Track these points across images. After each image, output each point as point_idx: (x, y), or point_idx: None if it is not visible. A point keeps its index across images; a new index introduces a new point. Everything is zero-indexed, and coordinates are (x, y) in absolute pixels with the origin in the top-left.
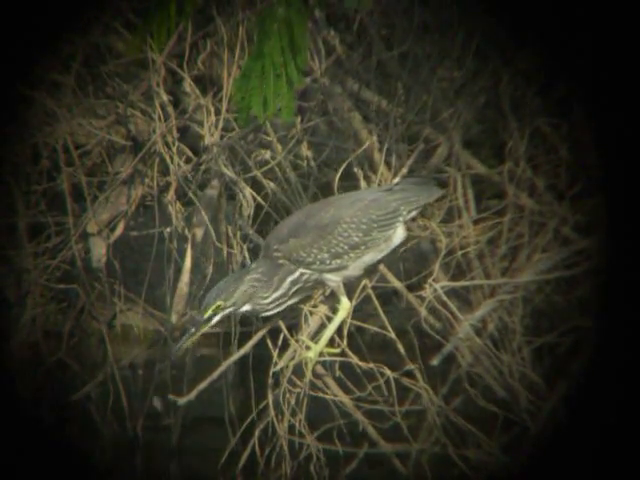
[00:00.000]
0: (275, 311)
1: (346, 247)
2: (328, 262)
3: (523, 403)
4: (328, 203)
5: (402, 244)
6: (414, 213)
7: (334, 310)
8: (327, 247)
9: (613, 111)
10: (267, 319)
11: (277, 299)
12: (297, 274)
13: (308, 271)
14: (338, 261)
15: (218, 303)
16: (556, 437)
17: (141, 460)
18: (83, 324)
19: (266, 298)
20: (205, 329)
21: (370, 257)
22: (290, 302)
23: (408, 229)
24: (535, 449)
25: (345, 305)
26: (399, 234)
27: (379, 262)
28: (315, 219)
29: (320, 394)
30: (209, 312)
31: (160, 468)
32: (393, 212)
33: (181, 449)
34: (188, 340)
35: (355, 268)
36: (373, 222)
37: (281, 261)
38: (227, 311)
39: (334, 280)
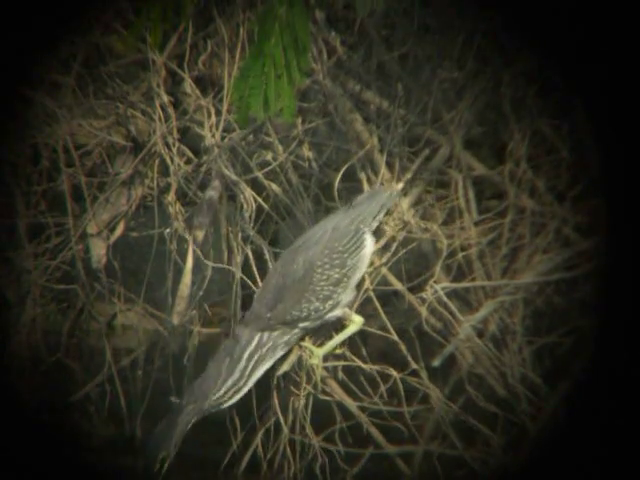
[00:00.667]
0: (236, 397)
1: (331, 287)
2: (322, 308)
3: (524, 404)
4: (296, 252)
5: (402, 246)
6: (375, 223)
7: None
8: (314, 296)
9: (614, 111)
10: None
11: (234, 384)
12: (254, 344)
13: (307, 323)
14: (330, 302)
15: (162, 455)
16: (556, 438)
17: (141, 461)
18: (83, 324)
19: (216, 394)
20: (164, 470)
21: (356, 278)
22: (258, 374)
23: (409, 231)
24: (535, 450)
25: (358, 321)
26: (369, 245)
27: (380, 264)
28: (291, 275)
29: (325, 397)
30: (158, 465)
31: (161, 469)
32: (355, 234)
33: (182, 449)
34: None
35: (348, 295)
36: (343, 253)
37: (278, 326)
38: (173, 452)
39: (337, 315)
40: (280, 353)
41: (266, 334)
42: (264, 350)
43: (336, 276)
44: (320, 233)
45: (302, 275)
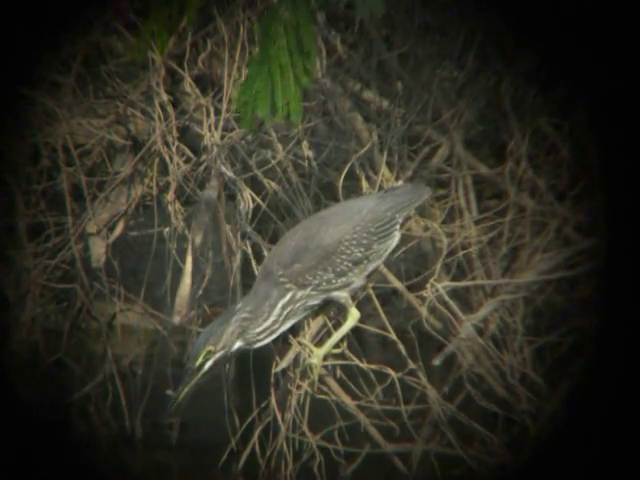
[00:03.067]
0: (268, 340)
1: (350, 264)
2: (334, 281)
3: (524, 403)
4: (324, 220)
5: (402, 245)
6: (406, 217)
7: (335, 312)
8: (332, 267)
9: (614, 111)
10: None
11: (269, 327)
12: (288, 297)
13: (301, 292)
14: (343, 279)
15: (208, 349)
16: (556, 438)
17: (140, 460)
18: (82, 324)
19: (256, 328)
20: (198, 377)
21: (373, 266)
22: (283, 328)
23: (409, 230)
24: (535, 449)
25: (355, 315)
26: (396, 238)
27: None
28: (316, 241)
29: (323, 396)
30: (200, 360)
31: (159, 468)
32: (390, 222)
33: (180, 449)
34: (183, 391)
35: (359, 280)
36: (373, 235)
37: (287, 286)
38: (218, 355)
39: (342, 296)
40: (306, 313)
41: (299, 292)
42: (296, 306)
43: (359, 255)
44: (353, 211)
45: (328, 244)
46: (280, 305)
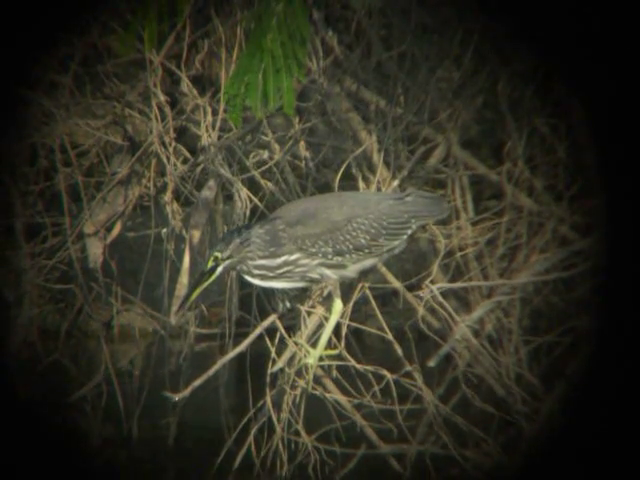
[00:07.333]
0: (257, 282)
1: (351, 247)
2: (330, 257)
3: (520, 404)
4: (341, 199)
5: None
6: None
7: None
8: (333, 242)
9: (611, 111)
10: (264, 318)
11: (263, 268)
12: (293, 257)
13: (307, 261)
14: (339, 258)
15: (215, 254)
16: (552, 439)
17: (137, 460)
18: (80, 324)
19: (255, 260)
20: (208, 282)
21: (370, 262)
22: (274, 283)
23: None
24: (531, 450)
25: (337, 307)
26: (402, 245)
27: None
28: (327, 212)
29: (319, 394)
30: (209, 263)
31: (156, 468)
32: (403, 223)
33: (177, 449)
34: (193, 293)
35: (353, 270)
36: (383, 228)
37: (284, 242)
38: (226, 264)
39: (331, 277)
40: (300, 285)
41: (306, 260)
42: (296, 270)
43: (362, 241)
44: (372, 200)
45: (337, 219)
46: (283, 259)
